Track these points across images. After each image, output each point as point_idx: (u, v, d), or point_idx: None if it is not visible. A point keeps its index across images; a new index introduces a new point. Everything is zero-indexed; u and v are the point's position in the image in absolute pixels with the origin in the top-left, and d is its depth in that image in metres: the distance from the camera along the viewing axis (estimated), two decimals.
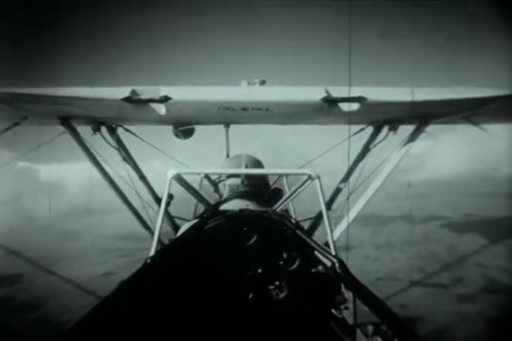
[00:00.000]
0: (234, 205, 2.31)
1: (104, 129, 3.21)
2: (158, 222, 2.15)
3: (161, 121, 3.09)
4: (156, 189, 3.56)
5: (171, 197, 2.78)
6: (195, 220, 2.28)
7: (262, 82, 2.71)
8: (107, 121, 3.16)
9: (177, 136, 3.29)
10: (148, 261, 1.77)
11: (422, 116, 2.93)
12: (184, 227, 2.38)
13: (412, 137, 3.03)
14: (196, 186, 3.51)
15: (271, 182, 3.19)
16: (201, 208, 2.94)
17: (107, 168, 3.22)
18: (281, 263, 1.86)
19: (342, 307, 1.81)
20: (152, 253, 2.08)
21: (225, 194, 2.58)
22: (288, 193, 2.41)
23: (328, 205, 3.45)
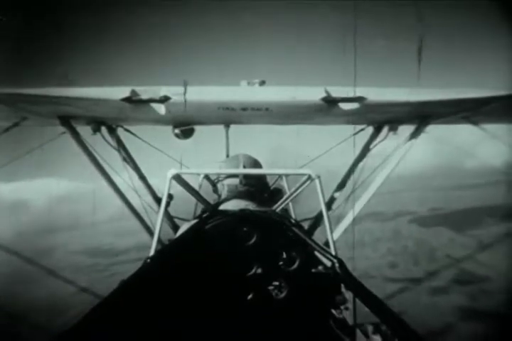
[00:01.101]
0: (233, 205, 2.31)
1: (104, 129, 3.21)
2: (158, 222, 2.16)
3: (160, 121, 3.10)
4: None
5: (170, 197, 2.78)
6: (195, 220, 2.28)
7: (262, 82, 2.70)
8: (106, 121, 3.16)
9: (177, 136, 3.29)
10: (148, 261, 1.78)
11: (422, 116, 2.93)
12: (184, 227, 2.38)
13: (412, 137, 3.03)
14: (196, 186, 3.51)
15: (270, 182, 3.19)
16: (201, 208, 2.94)
17: (107, 168, 3.22)
18: (281, 263, 1.86)
19: (342, 307, 1.81)
20: (152, 253, 2.09)
21: (224, 194, 2.58)
22: (288, 193, 2.41)
23: (329, 205, 3.45)
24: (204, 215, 2.22)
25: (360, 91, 2.53)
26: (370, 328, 1.64)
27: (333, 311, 1.80)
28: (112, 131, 3.28)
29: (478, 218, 17.08)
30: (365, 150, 3.42)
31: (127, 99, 2.47)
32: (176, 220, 3.46)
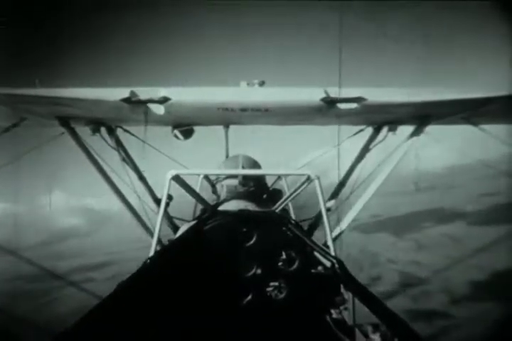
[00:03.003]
0: (233, 206, 2.31)
1: (103, 130, 3.20)
2: (157, 223, 2.15)
3: (160, 121, 3.09)
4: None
5: (170, 197, 2.78)
6: (195, 221, 2.28)
7: (262, 83, 2.70)
8: (106, 121, 3.16)
9: (176, 136, 3.28)
10: (148, 261, 1.78)
11: (422, 116, 2.93)
12: (183, 228, 2.38)
13: (412, 137, 3.03)
14: (195, 187, 3.51)
15: (270, 183, 3.19)
16: (200, 209, 2.94)
17: (106, 169, 3.21)
18: (280, 263, 1.86)
19: (341, 307, 1.80)
20: (152, 253, 2.08)
21: (223, 195, 2.58)
22: (287, 194, 2.41)
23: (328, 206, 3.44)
24: (204, 216, 2.22)
25: (359, 92, 2.53)
26: (369, 328, 1.64)
27: (333, 311, 1.80)
28: (111, 131, 3.27)
29: (415, 222, 17.94)
30: (365, 150, 3.41)
31: (126, 100, 2.47)
32: (175, 221, 3.46)
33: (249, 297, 1.79)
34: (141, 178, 3.52)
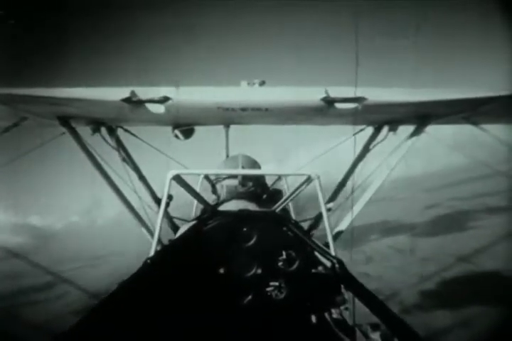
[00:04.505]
0: (233, 206, 2.31)
1: (103, 130, 3.20)
2: (157, 223, 2.15)
3: (160, 121, 3.09)
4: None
5: (170, 197, 2.78)
6: (195, 221, 2.28)
7: (262, 83, 2.70)
8: (106, 121, 3.16)
9: (177, 136, 3.28)
10: (148, 261, 1.78)
11: (422, 116, 2.93)
12: (184, 228, 2.38)
13: (412, 137, 3.03)
14: (196, 187, 3.51)
15: (270, 183, 3.19)
16: (200, 209, 2.95)
17: (107, 169, 3.21)
18: (280, 263, 1.86)
19: (342, 307, 1.80)
20: (152, 253, 2.08)
21: (223, 195, 2.58)
22: (287, 193, 2.41)
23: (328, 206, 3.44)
24: (204, 216, 2.22)
25: (360, 92, 2.52)
26: (369, 328, 1.65)
27: (333, 311, 1.80)
28: (111, 131, 3.27)
29: (362, 235, 18.22)
30: (365, 150, 3.41)
31: (127, 100, 2.47)
32: (175, 221, 3.46)
33: (250, 297, 1.79)
34: (142, 178, 3.52)
